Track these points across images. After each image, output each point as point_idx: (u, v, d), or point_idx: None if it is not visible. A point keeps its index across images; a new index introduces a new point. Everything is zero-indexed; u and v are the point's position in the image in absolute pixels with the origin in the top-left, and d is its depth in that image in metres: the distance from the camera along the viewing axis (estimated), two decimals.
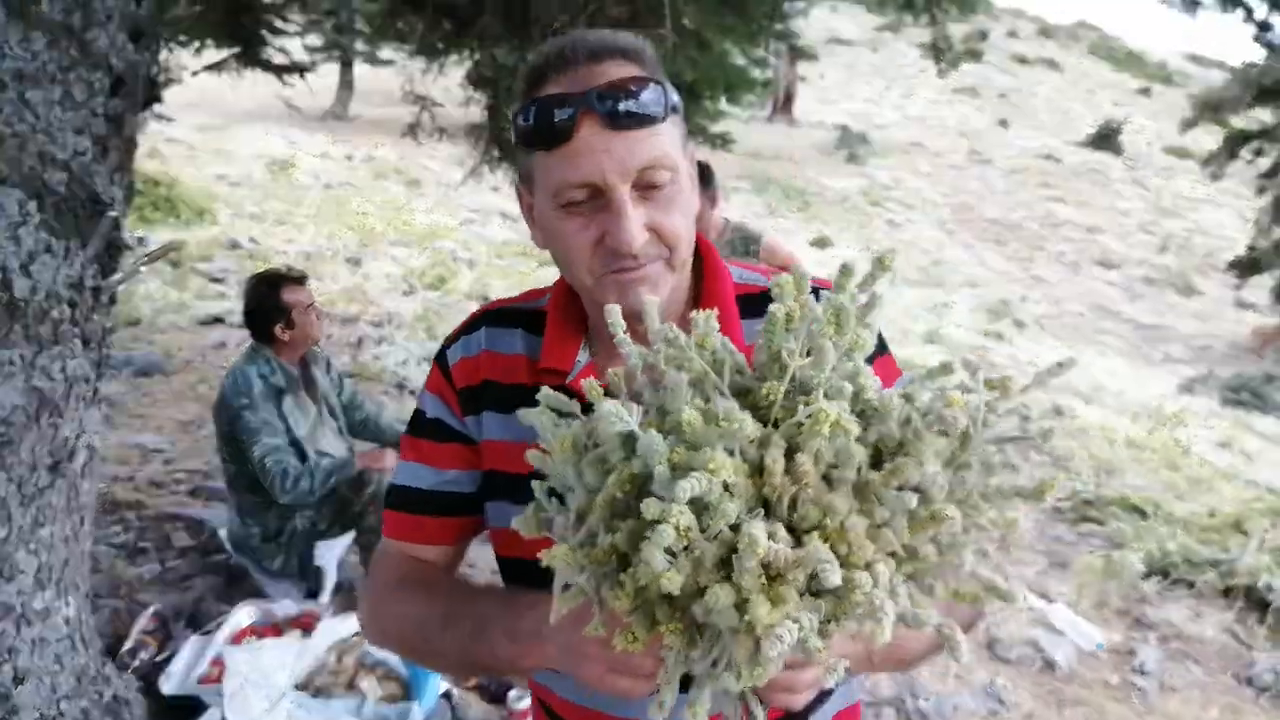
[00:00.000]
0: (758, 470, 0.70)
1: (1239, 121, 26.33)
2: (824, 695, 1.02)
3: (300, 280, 3.54)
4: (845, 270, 0.79)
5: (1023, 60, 45.88)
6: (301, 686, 2.80)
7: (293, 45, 6.18)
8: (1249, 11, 3.02)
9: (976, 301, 18.18)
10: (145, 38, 2.13)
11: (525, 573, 1.01)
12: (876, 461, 0.73)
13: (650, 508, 0.65)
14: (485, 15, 4.01)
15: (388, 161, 17.35)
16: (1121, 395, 13.03)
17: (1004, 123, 35.45)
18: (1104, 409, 10.54)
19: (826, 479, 0.71)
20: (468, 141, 6.93)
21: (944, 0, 4.60)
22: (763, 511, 0.69)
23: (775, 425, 0.73)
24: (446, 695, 2.94)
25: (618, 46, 0.98)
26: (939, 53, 5.14)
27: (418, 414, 1.17)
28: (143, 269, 4.10)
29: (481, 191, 9.23)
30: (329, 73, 20.35)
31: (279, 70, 6.07)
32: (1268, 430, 14.37)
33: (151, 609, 3.21)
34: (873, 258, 0.80)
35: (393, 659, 2.93)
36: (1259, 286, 24.73)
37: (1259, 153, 25.23)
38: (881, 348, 1.10)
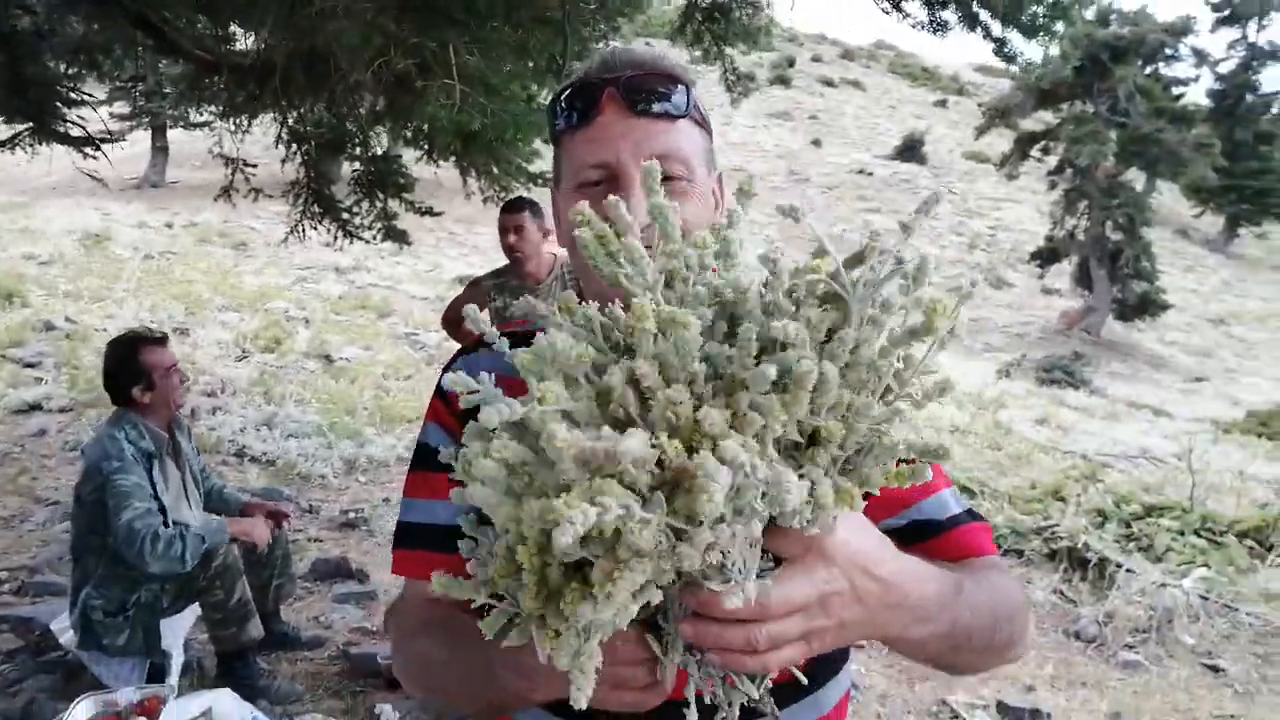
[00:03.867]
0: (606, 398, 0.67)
1: (1027, 124, 28.52)
2: (822, 674, 1.01)
3: (161, 341, 3.42)
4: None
5: (829, 83, 48.29)
6: None
7: (95, 115, 5.93)
8: (987, 30, 3.40)
9: None
10: None
11: None
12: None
13: (488, 416, 0.63)
14: (280, 71, 4.00)
15: (210, 226, 16.72)
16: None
17: (817, 142, 37.20)
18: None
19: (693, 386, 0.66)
20: (287, 199, 6.84)
21: (729, 34, 4.92)
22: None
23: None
24: None
25: (655, 60, 1.03)
26: (729, 84, 5.47)
27: (420, 447, 1.13)
28: None
29: (312, 248, 9.07)
30: (141, 140, 19.49)
31: (78, 143, 5.83)
32: (1079, 403, 15.57)
33: None
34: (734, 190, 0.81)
35: None
36: (1060, 273, 26.75)
37: (1046, 151, 27.40)
38: None
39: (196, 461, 3.62)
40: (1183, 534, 6.09)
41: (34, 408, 7.15)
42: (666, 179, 0.95)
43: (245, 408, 7.43)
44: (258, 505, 3.74)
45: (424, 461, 1.11)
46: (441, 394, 1.11)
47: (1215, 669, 4.33)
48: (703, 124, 1.05)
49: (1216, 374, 21.95)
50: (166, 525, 3.18)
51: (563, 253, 4.21)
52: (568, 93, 1.03)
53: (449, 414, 1.10)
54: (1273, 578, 5.60)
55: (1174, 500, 6.70)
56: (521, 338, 1.11)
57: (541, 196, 4.58)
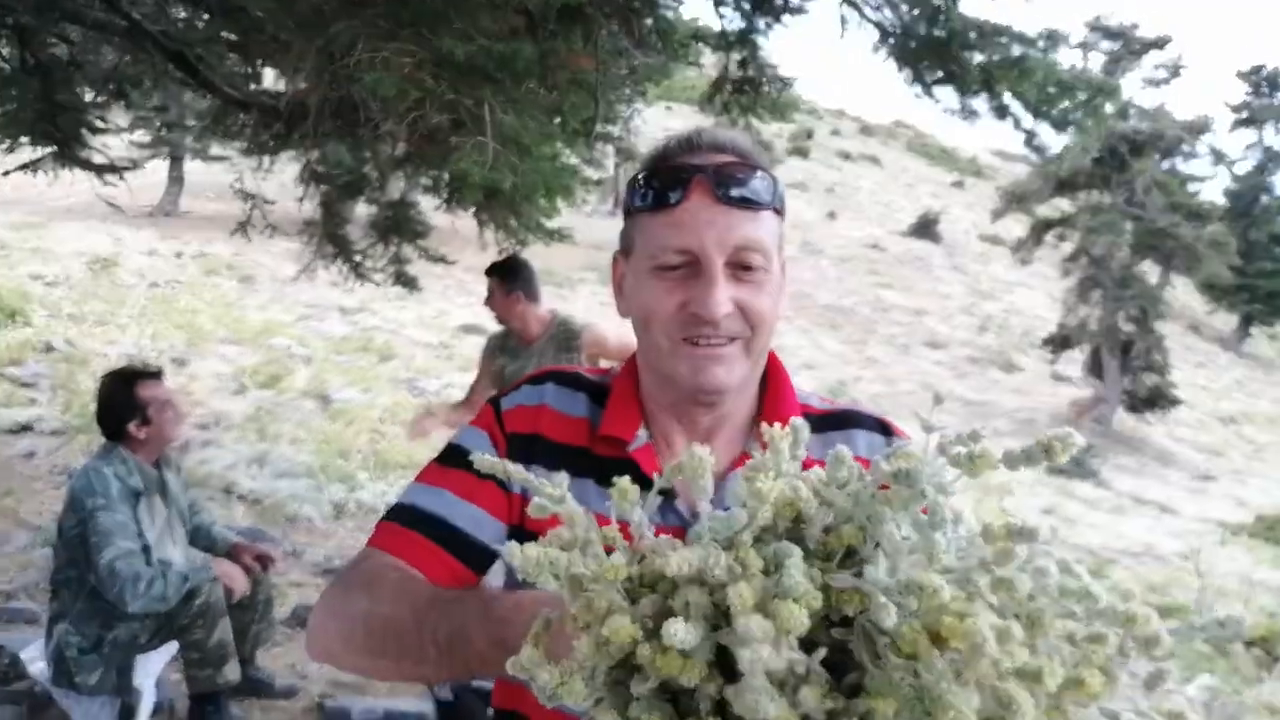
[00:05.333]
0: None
1: (1043, 210, 28.73)
2: None
3: (156, 375, 3.38)
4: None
5: (846, 156, 48.89)
6: None
7: (116, 142, 5.96)
8: (1017, 121, 3.40)
9: (816, 383, 18.90)
10: None
11: None
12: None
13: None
14: (313, 115, 4.01)
15: (220, 258, 16.78)
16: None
17: (832, 215, 37.49)
18: None
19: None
20: (301, 238, 6.82)
21: (757, 106, 4.94)
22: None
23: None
24: None
25: (738, 144, 1.03)
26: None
27: (453, 447, 1.11)
28: None
29: (318, 287, 9.06)
30: (158, 168, 19.69)
31: (99, 169, 5.84)
32: (1086, 495, 15.41)
33: None
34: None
35: None
36: (1071, 361, 26.72)
37: (1062, 238, 27.55)
38: None
39: (185, 497, 3.58)
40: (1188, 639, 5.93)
41: (25, 428, 7.08)
42: (746, 269, 0.99)
43: (238, 443, 7.35)
44: (246, 548, 3.69)
45: (450, 459, 1.09)
46: (497, 409, 1.12)
47: None
48: (780, 212, 1.05)
49: (1224, 473, 21.73)
50: (149, 564, 3.12)
51: (577, 309, 4.23)
52: (652, 174, 1.02)
53: (500, 432, 1.10)
54: (1279, 690, 5.45)
55: (1180, 603, 6.58)
56: (594, 384, 1.14)
57: (558, 253, 4.56)
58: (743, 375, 1.03)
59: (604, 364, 3.90)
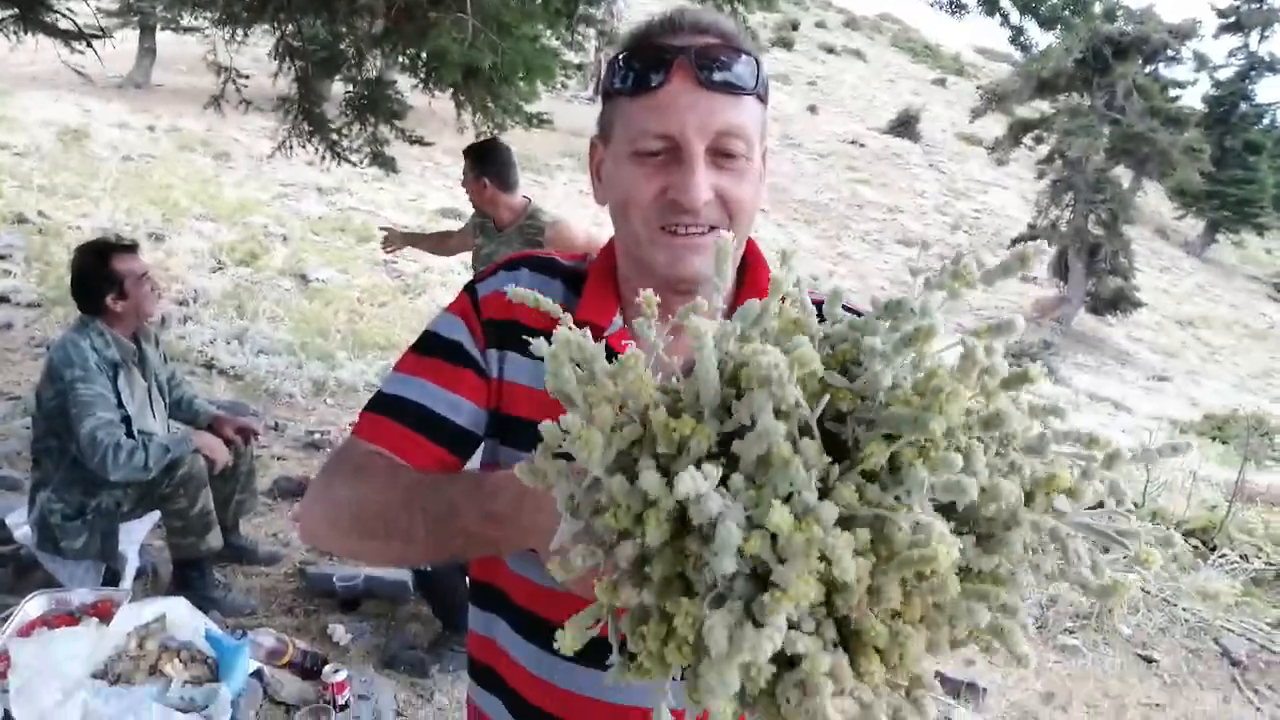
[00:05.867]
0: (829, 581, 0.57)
1: (1022, 111, 28.49)
2: None
3: (132, 249, 3.37)
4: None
5: (830, 50, 47.86)
6: (99, 675, 2.62)
7: (82, 9, 5.78)
8: (1005, 17, 3.40)
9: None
10: None
11: None
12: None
13: (717, 636, 0.55)
14: None
15: (193, 133, 16.38)
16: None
17: (814, 109, 36.93)
18: None
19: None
20: (277, 115, 6.73)
21: None
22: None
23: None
24: (258, 674, 2.88)
25: (721, 27, 0.99)
26: None
27: (431, 334, 1.09)
28: None
29: (295, 165, 8.93)
30: (128, 38, 18.97)
31: (65, 35, 5.69)
32: (1045, 391, 15.77)
33: None
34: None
35: (198, 641, 2.86)
36: (1039, 261, 26.89)
37: (1039, 140, 27.41)
38: None
39: (164, 370, 3.60)
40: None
41: (2, 300, 7.07)
42: (727, 156, 0.96)
43: (217, 320, 7.38)
44: (228, 420, 3.74)
45: (427, 347, 1.09)
46: (473, 295, 1.10)
47: (1148, 659, 4.48)
48: (764, 98, 1.02)
49: (1179, 374, 22.27)
50: (130, 435, 3.18)
51: (556, 195, 4.23)
52: (632, 55, 0.98)
53: (476, 318, 1.08)
54: (1212, 577, 5.78)
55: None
56: (570, 271, 1.12)
57: (537, 139, 4.56)
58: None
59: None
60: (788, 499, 0.57)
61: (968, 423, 0.61)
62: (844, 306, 0.78)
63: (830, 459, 0.60)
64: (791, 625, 0.56)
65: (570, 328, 0.72)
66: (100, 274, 3.24)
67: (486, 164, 3.85)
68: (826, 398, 0.62)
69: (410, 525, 0.91)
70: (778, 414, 0.59)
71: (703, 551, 0.58)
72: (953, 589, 0.59)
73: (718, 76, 0.94)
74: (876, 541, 0.57)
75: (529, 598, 1.07)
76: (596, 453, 0.61)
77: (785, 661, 0.57)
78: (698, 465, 0.58)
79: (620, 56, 0.99)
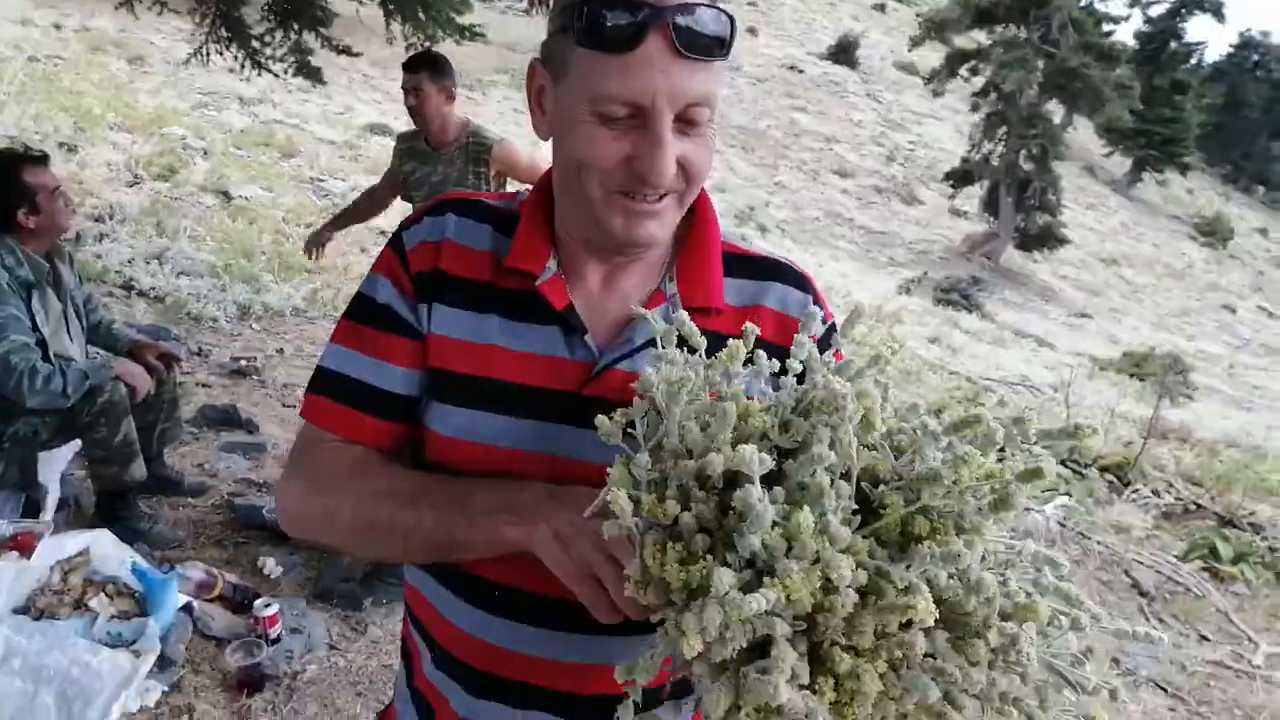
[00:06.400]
0: (824, 589, 0.67)
1: (960, 41, 28.57)
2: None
3: (42, 160, 3.17)
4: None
5: None
6: (21, 610, 2.57)
7: None
8: None
9: (725, 206, 18.93)
10: None
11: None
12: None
13: (723, 579, 0.65)
14: None
15: (105, 34, 15.50)
16: (849, 296, 14.17)
17: (753, 30, 36.53)
18: (834, 309, 11.42)
19: (884, 634, 0.69)
20: (193, 18, 6.38)
21: None
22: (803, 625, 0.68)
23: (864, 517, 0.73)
24: (187, 608, 2.82)
25: None
26: None
27: (362, 298, 1.05)
28: None
29: (216, 73, 8.51)
30: None
31: None
32: (971, 326, 16.17)
33: None
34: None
35: (124, 574, 2.79)
36: (971, 196, 27.34)
37: (974, 72, 27.57)
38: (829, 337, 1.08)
39: (80, 292, 3.42)
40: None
41: None
42: (692, 123, 0.90)
43: (135, 238, 7.06)
44: (149, 345, 3.55)
45: (361, 314, 1.04)
46: (399, 248, 1.04)
47: None
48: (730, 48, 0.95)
49: (1101, 312, 22.98)
50: (47, 359, 3.03)
51: (484, 115, 4.05)
52: (602, 4, 0.86)
53: (405, 273, 1.03)
54: (1125, 511, 6.02)
55: (1046, 429, 7.10)
56: (499, 213, 1.07)
57: (469, 53, 4.37)
58: (673, 225, 0.98)
59: (511, 188, 3.74)
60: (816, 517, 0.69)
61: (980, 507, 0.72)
62: (778, 265, 0.95)
63: (856, 509, 0.72)
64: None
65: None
66: (9, 187, 3.03)
67: (446, 73, 3.59)
68: (873, 455, 0.75)
69: (408, 519, 0.93)
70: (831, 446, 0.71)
71: (735, 529, 0.69)
72: (919, 647, 0.67)
73: (696, 41, 0.86)
74: (869, 589, 0.68)
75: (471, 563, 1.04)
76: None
77: (757, 650, 0.67)
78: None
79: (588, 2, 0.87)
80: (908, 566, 0.68)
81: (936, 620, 0.67)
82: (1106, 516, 5.76)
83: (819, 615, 0.66)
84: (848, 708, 0.66)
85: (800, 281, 1.08)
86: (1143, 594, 4.80)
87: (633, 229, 0.93)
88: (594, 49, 0.87)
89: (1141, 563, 5.12)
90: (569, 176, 0.95)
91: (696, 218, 1.06)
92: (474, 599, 1.04)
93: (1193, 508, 6.35)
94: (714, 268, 1.04)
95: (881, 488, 0.73)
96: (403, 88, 3.68)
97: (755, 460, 0.67)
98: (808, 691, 0.66)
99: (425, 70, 3.60)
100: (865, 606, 0.67)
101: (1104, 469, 6.71)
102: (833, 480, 0.70)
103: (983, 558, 0.73)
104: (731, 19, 0.90)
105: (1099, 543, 5.26)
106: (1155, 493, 6.48)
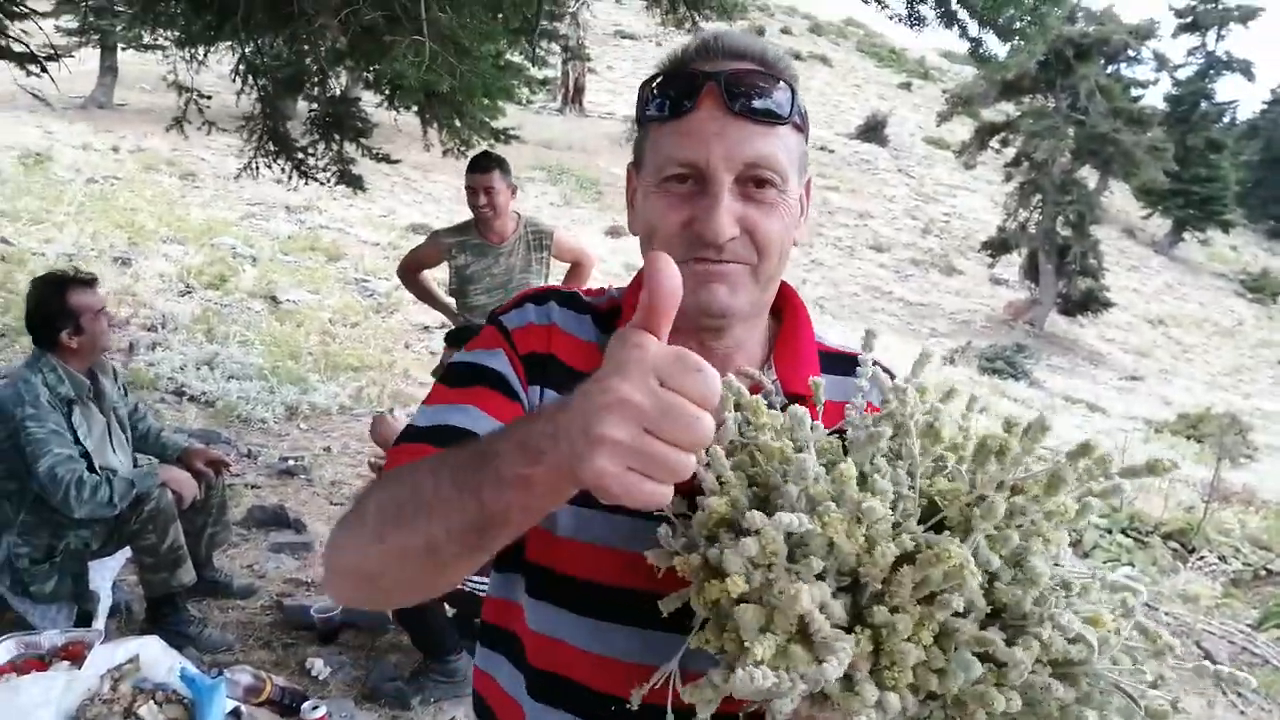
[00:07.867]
0: (869, 549, 0.68)
1: (988, 114, 28.82)
2: None
3: (89, 283, 3.26)
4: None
5: (797, 55, 48.12)
6: None
7: (41, 26, 5.65)
8: (964, 29, 3.40)
9: None
10: None
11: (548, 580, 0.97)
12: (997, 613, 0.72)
13: (754, 518, 0.67)
14: (243, 5, 3.86)
15: (158, 153, 16.18)
16: (893, 369, 14.00)
17: None
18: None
19: (929, 599, 0.68)
20: (240, 134, 6.64)
21: (702, 6, 4.85)
22: (849, 580, 0.71)
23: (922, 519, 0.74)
24: (235, 713, 2.82)
25: (757, 51, 0.95)
26: None
27: (468, 365, 1.00)
28: None
29: (263, 184, 8.80)
30: (89, 57, 18.78)
31: (20, 59, 5.58)
32: (1018, 394, 15.91)
33: None
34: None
35: (172, 681, 2.78)
36: (1009, 264, 27.21)
37: (1005, 143, 27.72)
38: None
39: (124, 404, 3.50)
40: (1110, 532, 6.27)
41: None
42: (758, 185, 0.92)
43: (186, 345, 7.25)
44: (199, 452, 3.62)
45: (478, 378, 0.98)
46: (502, 329, 1.02)
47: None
48: (802, 128, 0.98)
49: (1151, 374, 22.54)
50: (92, 471, 3.09)
51: (525, 209, 4.16)
52: (662, 79, 0.94)
53: (514, 352, 1.00)
54: (1192, 580, 5.80)
55: (1129, 466, 6.92)
56: (596, 308, 1.06)
57: (506, 152, 4.52)
58: (750, 300, 0.96)
59: (589, 283, 3.81)
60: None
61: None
62: (874, 362, 0.90)
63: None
64: (819, 577, 0.69)
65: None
66: (56, 308, 3.15)
67: (508, 171, 3.74)
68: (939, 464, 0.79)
69: (436, 488, 0.77)
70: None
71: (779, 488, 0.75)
72: (964, 628, 0.68)
73: (749, 104, 0.90)
74: (912, 554, 0.69)
75: (544, 657, 0.99)
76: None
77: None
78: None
79: (652, 81, 0.96)
80: (961, 541, 0.69)
81: (991, 614, 0.70)
82: (1173, 586, 5.55)
83: (861, 569, 0.69)
84: (887, 672, 0.67)
85: (878, 368, 1.08)
86: (1215, 664, 4.58)
87: (701, 293, 0.92)
88: (660, 121, 0.94)
89: (1213, 633, 4.90)
90: (646, 252, 0.95)
91: (785, 314, 1.08)
92: (542, 695, 1.00)
93: (1263, 573, 6.10)
94: (809, 358, 1.05)
95: (943, 483, 0.76)
96: (469, 187, 3.81)
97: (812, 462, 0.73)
98: (841, 631, 0.67)
99: (497, 169, 3.75)
100: (904, 563, 0.69)
101: (1166, 536, 6.49)
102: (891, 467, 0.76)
103: (1055, 563, 0.76)
104: (792, 86, 0.94)
105: (1166, 614, 5.06)
106: (1222, 558, 6.25)
